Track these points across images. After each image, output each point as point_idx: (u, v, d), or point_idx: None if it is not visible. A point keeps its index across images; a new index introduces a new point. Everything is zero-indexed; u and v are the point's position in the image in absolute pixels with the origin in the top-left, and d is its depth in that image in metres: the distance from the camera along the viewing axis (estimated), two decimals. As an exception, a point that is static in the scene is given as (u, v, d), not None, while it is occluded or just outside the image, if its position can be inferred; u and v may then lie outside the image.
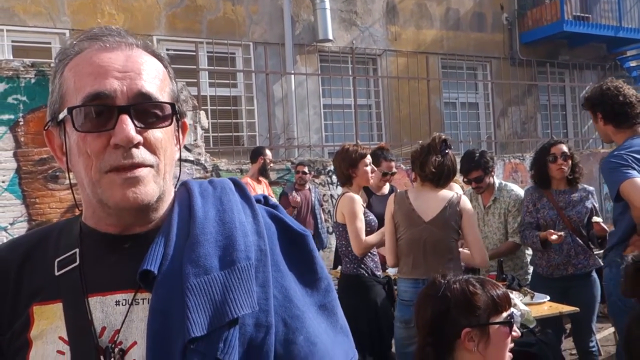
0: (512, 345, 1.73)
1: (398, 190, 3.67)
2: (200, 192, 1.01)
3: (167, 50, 8.60)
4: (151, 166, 0.92)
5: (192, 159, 6.87)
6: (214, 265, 0.91)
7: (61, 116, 0.92)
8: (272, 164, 6.58)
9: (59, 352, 0.90)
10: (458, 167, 3.45)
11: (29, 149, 5.91)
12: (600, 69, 12.32)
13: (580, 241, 3.82)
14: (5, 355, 0.94)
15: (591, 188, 4.01)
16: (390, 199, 3.49)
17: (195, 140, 6.91)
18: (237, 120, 8.92)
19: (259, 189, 5.99)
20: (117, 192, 0.89)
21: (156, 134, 0.93)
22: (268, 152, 6.29)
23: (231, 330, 0.88)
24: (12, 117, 5.88)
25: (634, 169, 2.83)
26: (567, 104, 12.59)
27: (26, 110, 5.91)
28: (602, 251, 3.68)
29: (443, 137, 3.37)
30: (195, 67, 7.69)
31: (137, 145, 0.90)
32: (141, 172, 0.90)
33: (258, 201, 1.08)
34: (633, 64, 13.31)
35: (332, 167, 7.53)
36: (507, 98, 11.33)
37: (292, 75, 9.12)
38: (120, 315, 0.91)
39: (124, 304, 0.91)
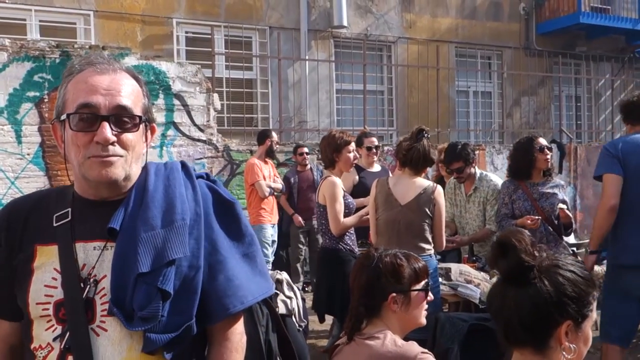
0: (427, 306, 2.12)
1: (379, 178, 3.98)
2: (155, 171, 1.43)
3: (186, 32, 8.96)
4: (120, 156, 1.31)
5: (204, 138, 7.24)
6: (158, 224, 1.32)
7: (62, 117, 1.31)
8: (278, 146, 6.89)
9: (53, 278, 1.30)
10: (435, 157, 3.75)
11: (52, 125, 6.32)
12: (618, 61, 12.33)
13: (551, 229, 4.09)
14: (13, 275, 1.34)
15: (562, 182, 4.28)
16: (374, 184, 3.83)
17: (207, 121, 7.27)
18: (251, 102, 9.26)
19: (266, 169, 6.33)
20: (95, 170, 1.29)
21: (128, 136, 1.32)
22: (274, 134, 6.62)
23: (169, 268, 1.29)
24: (37, 94, 6.31)
25: (618, 159, 3.49)
26: (583, 96, 12.65)
27: (51, 88, 6.33)
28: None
29: (422, 127, 3.68)
30: (210, 50, 8.03)
31: (112, 143, 1.29)
32: (112, 159, 1.30)
33: (200, 177, 1.49)
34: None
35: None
36: (521, 88, 11.46)
37: (306, 61, 9.41)
38: (96, 256, 1.32)
39: (98, 249, 1.32)
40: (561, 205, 3.98)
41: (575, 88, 12.34)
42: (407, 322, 2.08)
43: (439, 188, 3.65)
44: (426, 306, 2.11)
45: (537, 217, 3.92)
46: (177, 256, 1.30)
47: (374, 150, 5.42)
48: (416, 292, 2.07)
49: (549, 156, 4.10)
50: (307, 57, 9.49)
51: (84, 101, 1.27)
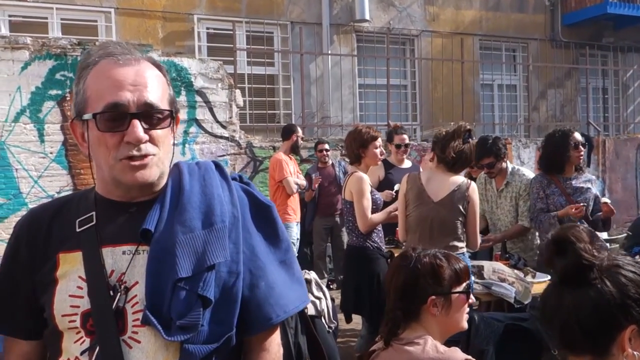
0: (468, 309, 1.99)
1: (411, 173, 3.88)
2: (189, 171, 1.34)
3: (207, 29, 8.90)
4: (154, 155, 1.22)
5: (227, 135, 7.18)
6: (197, 226, 1.23)
7: (86, 117, 1.21)
8: (303, 142, 6.80)
9: (78, 287, 1.20)
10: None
11: (75, 123, 6.30)
12: (646, 51, 12.04)
13: (586, 224, 3.96)
14: (36, 289, 1.25)
15: (593, 176, 4.17)
16: (404, 179, 3.71)
17: (230, 118, 7.21)
18: (273, 98, 9.18)
19: (291, 165, 6.23)
20: (129, 174, 1.20)
21: (158, 132, 1.23)
22: (299, 129, 6.52)
23: (209, 273, 1.20)
24: (59, 92, 6.29)
25: None
26: (610, 87, 12.36)
27: (72, 86, 6.30)
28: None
29: (468, 126, 3.56)
30: (232, 46, 7.96)
31: (145, 142, 1.20)
32: (147, 160, 1.21)
33: (234, 179, 1.40)
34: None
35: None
36: (547, 80, 11.22)
37: (329, 56, 9.30)
38: (126, 262, 1.21)
39: (128, 253, 1.22)
40: (605, 199, 3.85)
41: (602, 80, 12.07)
42: (447, 327, 1.96)
43: (473, 185, 3.52)
44: (467, 309, 1.99)
45: (582, 204, 3.80)
46: (218, 260, 1.21)
47: (404, 148, 5.36)
48: (457, 294, 1.95)
49: (582, 152, 3.97)
50: (329, 52, 9.38)
51: (113, 100, 1.18)
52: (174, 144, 1.33)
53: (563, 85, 11.48)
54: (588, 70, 10.95)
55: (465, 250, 3.49)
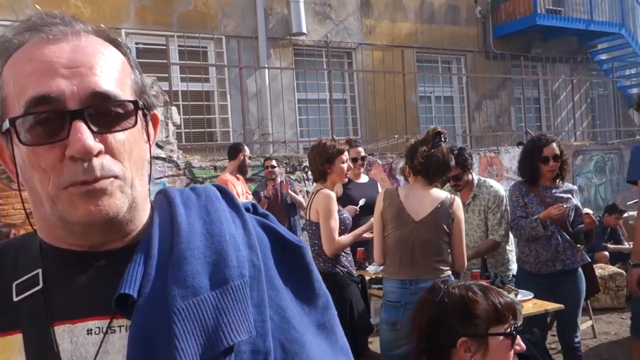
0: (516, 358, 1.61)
1: (387, 188, 3.57)
2: (183, 201, 0.89)
3: (137, 44, 8.36)
4: (115, 175, 0.79)
5: (164, 156, 6.67)
6: (204, 285, 0.78)
7: (5, 126, 0.78)
8: (249, 161, 6.43)
9: None
10: (452, 162, 3.31)
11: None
12: (572, 62, 12.40)
13: (567, 237, 3.79)
14: None
15: (574, 186, 4.01)
16: (380, 196, 3.39)
17: (167, 137, 6.71)
18: (210, 115, 8.73)
19: (239, 186, 5.85)
20: (79, 207, 0.77)
21: (119, 137, 0.80)
22: (246, 148, 6.16)
23: (226, 358, 0.77)
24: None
25: None
26: (541, 97, 12.66)
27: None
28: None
29: (438, 129, 3.26)
30: (166, 61, 7.47)
31: (97, 154, 0.77)
32: (104, 183, 0.77)
33: (247, 209, 0.96)
34: (604, 57, 13.45)
35: (307, 163, 7.41)
36: (482, 92, 11.33)
37: (266, 70, 8.94)
38: (93, 346, 0.77)
39: (97, 332, 0.78)
40: (587, 210, 3.68)
41: (532, 90, 12.32)
42: None
43: (458, 200, 3.23)
44: (515, 358, 1.61)
45: (565, 205, 3.61)
46: (241, 338, 0.78)
47: (360, 162, 5.09)
48: (497, 337, 1.59)
49: (554, 167, 3.80)
50: (267, 65, 9.02)
51: (36, 92, 0.75)
52: (150, 158, 0.90)
53: (497, 96, 11.62)
54: (520, 81, 11.15)
55: (449, 273, 3.20)
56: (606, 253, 7.34)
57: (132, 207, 0.82)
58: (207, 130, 8.24)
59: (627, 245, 7.50)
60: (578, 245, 3.84)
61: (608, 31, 12.39)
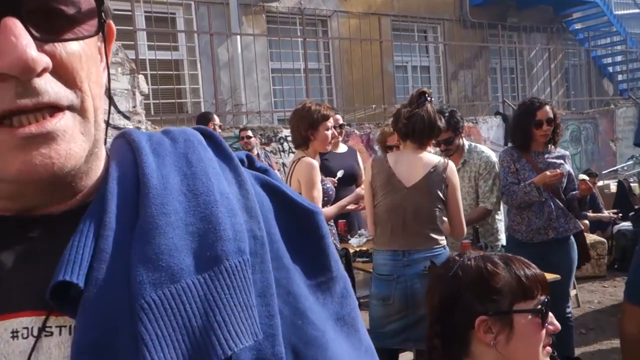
0: (549, 340, 1.37)
1: (375, 156, 3.35)
2: (152, 147, 0.63)
3: (100, 9, 7.91)
4: (70, 107, 0.54)
5: (131, 127, 6.33)
6: (186, 266, 0.53)
7: None
8: (220, 131, 6.13)
9: None
10: (443, 124, 3.07)
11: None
12: (548, 31, 12.29)
13: (560, 204, 3.64)
14: None
15: (566, 152, 3.85)
16: (369, 164, 3.18)
17: (134, 107, 6.35)
18: (180, 85, 8.37)
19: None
20: (15, 157, 0.52)
21: (72, 49, 0.54)
22: (216, 117, 5.85)
23: None
24: None
25: None
26: (517, 67, 12.54)
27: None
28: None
29: (423, 89, 3.03)
30: (132, 27, 7.05)
31: (41, 73, 0.51)
32: (57, 122, 0.53)
33: (241, 162, 0.69)
34: (578, 26, 13.37)
35: (283, 134, 7.14)
36: (459, 61, 11.12)
37: (238, 37, 8.56)
38: (20, 355, 0.52)
39: (25, 335, 0.53)
40: (582, 176, 3.51)
41: (510, 60, 12.19)
42: None
43: (451, 164, 3.02)
44: (547, 340, 1.36)
45: (558, 171, 3.45)
46: (243, 344, 0.53)
47: (339, 130, 4.82)
48: (524, 314, 1.35)
49: (548, 130, 3.63)
50: (239, 32, 8.66)
51: None
52: (109, 86, 0.65)
53: (474, 66, 11.43)
54: (497, 50, 10.98)
55: (445, 242, 3.00)
56: (586, 222, 7.28)
57: (92, 154, 0.59)
58: (177, 101, 7.87)
59: (606, 213, 7.48)
60: (570, 213, 3.69)
61: (584, 0, 12.28)
